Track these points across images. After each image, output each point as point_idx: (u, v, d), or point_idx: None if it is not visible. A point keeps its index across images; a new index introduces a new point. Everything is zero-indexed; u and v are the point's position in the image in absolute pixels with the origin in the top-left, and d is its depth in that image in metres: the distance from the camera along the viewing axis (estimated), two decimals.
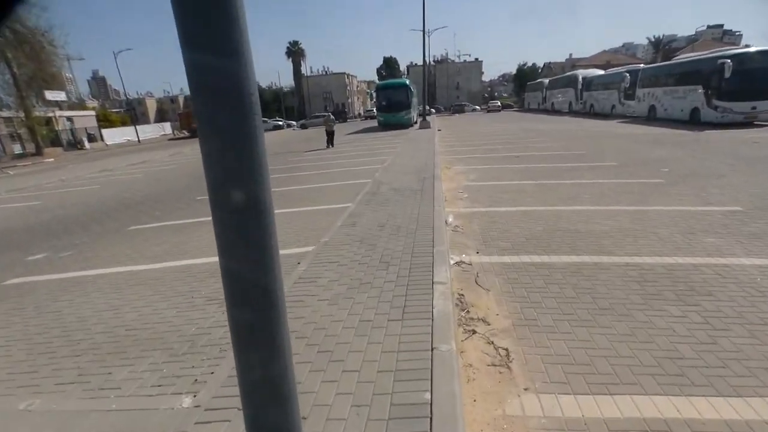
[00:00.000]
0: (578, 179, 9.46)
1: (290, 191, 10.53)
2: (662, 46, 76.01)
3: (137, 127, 53.80)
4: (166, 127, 62.57)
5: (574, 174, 10.07)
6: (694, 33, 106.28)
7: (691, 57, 22.34)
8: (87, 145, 43.74)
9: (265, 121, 55.29)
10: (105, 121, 61.93)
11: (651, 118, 24.54)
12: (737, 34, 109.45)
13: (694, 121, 20.50)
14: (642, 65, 32.23)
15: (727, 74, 18.48)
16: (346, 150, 19.29)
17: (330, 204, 8.55)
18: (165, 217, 8.88)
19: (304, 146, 23.13)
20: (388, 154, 15.51)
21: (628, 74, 28.48)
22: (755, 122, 18.86)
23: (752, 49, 19.20)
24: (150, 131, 57.85)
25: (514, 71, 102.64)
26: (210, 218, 0.94)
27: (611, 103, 30.66)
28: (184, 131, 52.80)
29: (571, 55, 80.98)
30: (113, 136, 49.74)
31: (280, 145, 26.25)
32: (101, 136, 47.93)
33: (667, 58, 39.88)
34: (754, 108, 18.59)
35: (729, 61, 18.48)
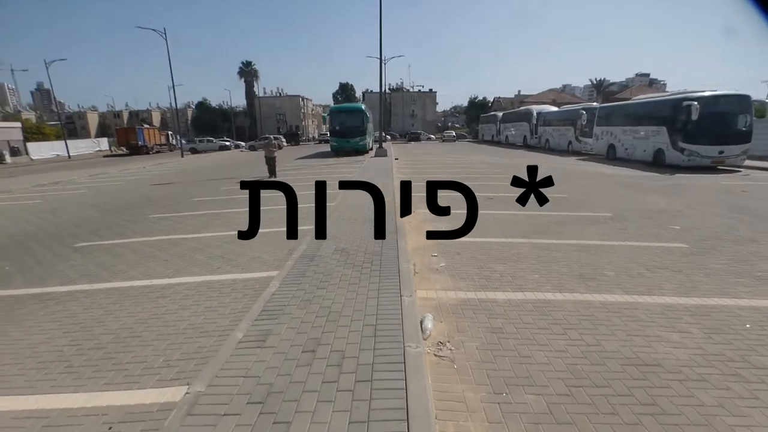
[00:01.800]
0: (581, 238, 7.13)
1: (199, 241, 7.55)
2: (603, 88, 78.99)
3: (69, 142, 48.15)
4: (103, 143, 56.85)
5: (572, 229, 7.77)
6: (624, 80, 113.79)
7: (652, 98, 21.43)
8: (8, 159, 38.40)
9: (210, 141, 51.72)
10: (38, 134, 55.78)
11: (610, 157, 23.44)
12: (662, 82, 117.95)
13: (657, 163, 19.34)
14: (595, 104, 31.89)
15: (695, 116, 17.36)
16: (291, 179, 16.40)
17: (243, 271, 5.74)
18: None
19: (245, 172, 19.96)
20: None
21: (584, 111, 27.63)
22: (720, 167, 17.89)
23: (718, 93, 18.34)
24: (84, 147, 52.18)
25: (464, 103, 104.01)
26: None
27: (567, 140, 29.72)
28: (122, 148, 47.75)
29: (519, 91, 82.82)
30: (40, 150, 44.08)
31: (218, 169, 22.90)
32: (26, 149, 42.25)
33: (607, 99, 40.39)
34: (721, 152, 17.56)
35: (696, 103, 17.43)
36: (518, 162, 22.34)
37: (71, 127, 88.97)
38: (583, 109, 28.23)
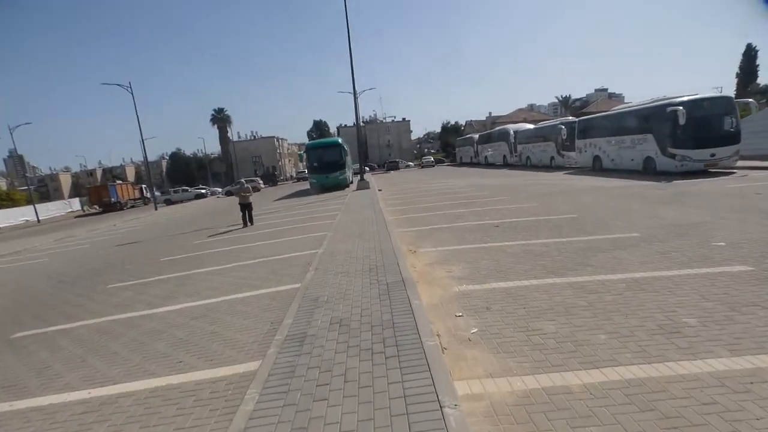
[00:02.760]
0: (624, 270, 5.83)
1: (161, 320, 6.00)
2: (569, 104, 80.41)
3: (39, 205, 45.82)
4: (74, 204, 54.30)
5: (606, 258, 6.48)
6: (585, 95, 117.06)
7: (634, 106, 20.88)
8: None
9: (185, 190, 49.92)
10: (8, 200, 53.28)
11: (597, 168, 22.74)
12: (620, 95, 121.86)
13: (648, 171, 18.59)
14: (571, 118, 31.60)
15: (682, 121, 16.72)
16: (270, 224, 14.92)
17: (213, 365, 4.26)
18: None
19: (219, 221, 18.36)
20: (322, 231, 11.40)
21: (563, 126, 27.12)
22: (712, 170, 17.18)
23: (701, 96, 17.86)
24: (54, 209, 49.62)
25: (437, 129, 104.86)
26: None
27: (549, 155, 29.10)
28: (95, 207, 45.54)
29: (490, 113, 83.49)
30: (8, 217, 41.57)
31: (191, 221, 21.21)
32: None
33: (574, 114, 40.38)
34: (713, 155, 16.86)
35: (681, 107, 16.84)
36: (505, 182, 21.37)
37: (44, 190, 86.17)
38: (562, 124, 27.75)
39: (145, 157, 35.02)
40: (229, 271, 8.41)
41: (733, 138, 17.04)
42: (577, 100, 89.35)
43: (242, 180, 16.61)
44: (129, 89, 30.79)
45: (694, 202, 10.75)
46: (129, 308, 6.83)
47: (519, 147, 34.43)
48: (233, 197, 40.37)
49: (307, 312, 5.01)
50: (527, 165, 32.63)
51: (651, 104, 19.47)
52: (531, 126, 36.15)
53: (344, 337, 4.10)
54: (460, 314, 4.81)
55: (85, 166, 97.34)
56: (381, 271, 6.33)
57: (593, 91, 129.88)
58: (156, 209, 34.17)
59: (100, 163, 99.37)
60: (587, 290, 5.24)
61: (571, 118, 31.60)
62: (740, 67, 58.36)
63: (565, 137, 26.90)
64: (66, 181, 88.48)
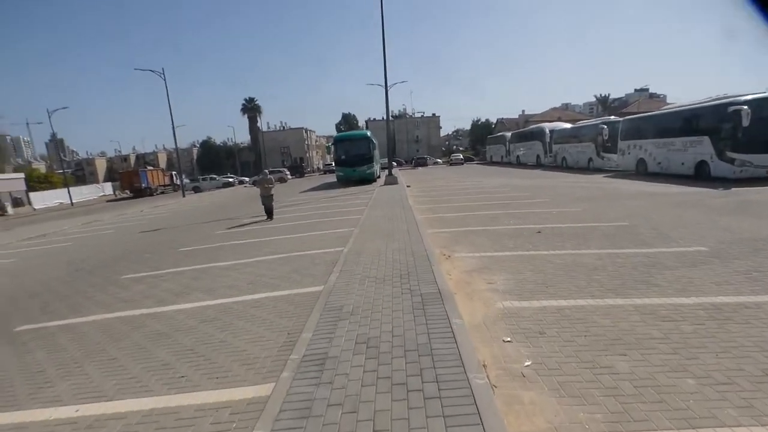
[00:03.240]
0: (700, 293, 4.93)
1: (169, 320, 5.46)
2: (609, 104, 77.51)
3: (73, 188, 47.19)
4: (107, 188, 55.76)
5: (674, 276, 5.57)
6: (623, 95, 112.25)
7: (687, 106, 19.37)
8: (10, 210, 37.18)
9: (213, 178, 50.30)
10: (46, 182, 55.09)
11: (641, 172, 21.34)
12: (661, 96, 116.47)
13: (701, 177, 17.20)
14: (612, 117, 30.03)
15: (745, 122, 15.31)
16: (294, 217, 14.40)
17: (217, 385, 3.67)
18: None
19: (244, 211, 18.00)
20: (348, 226, 10.78)
21: (605, 126, 25.70)
22: None
23: (766, 95, 16.38)
24: (88, 192, 50.99)
25: (466, 126, 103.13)
26: None
27: (587, 157, 27.68)
28: (126, 192, 46.57)
29: (523, 111, 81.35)
30: (43, 199, 42.85)
31: (217, 209, 20.97)
32: (29, 199, 41.03)
33: (614, 115, 38.43)
34: None
35: (746, 107, 15.41)
36: (541, 183, 20.27)
37: (80, 173, 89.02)
38: (603, 123, 26.32)
39: (176, 144, 35.26)
40: (247, 266, 7.87)
41: None
42: (615, 100, 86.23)
43: (266, 170, 15.49)
44: (162, 75, 30.95)
45: (761, 213, 9.60)
46: (139, 304, 6.35)
47: (554, 147, 33.01)
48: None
49: (330, 325, 4.36)
50: (563, 166, 31.22)
51: (708, 103, 18.01)
52: (568, 125, 34.63)
53: (372, 364, 3.42)
54: (509, 339, 4.06)
55: (119, 151, 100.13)
56: (413, 277, 5.63)
57: (632, 91, 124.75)
58: (184, 196, 34.39)
59: (134, 149, 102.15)
60: (659, 316, 4.40)
61: (612, 117, 30.04)
62: None
63: (606, 138, 25.50)
64: (101, 166, 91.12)
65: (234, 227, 13.28)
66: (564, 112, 74.82)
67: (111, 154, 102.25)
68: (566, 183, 19.61)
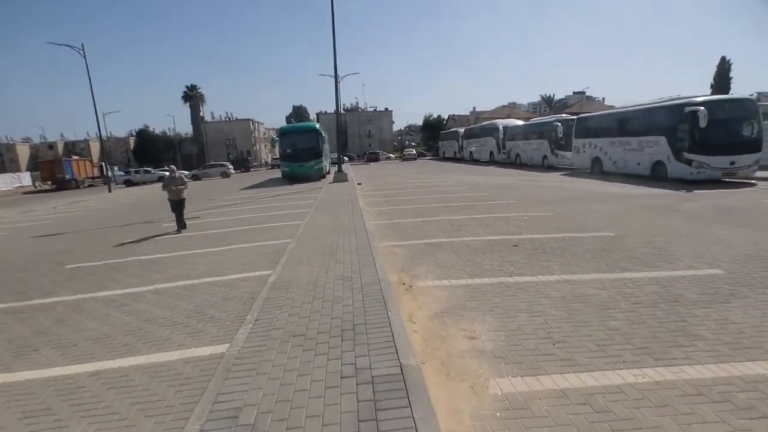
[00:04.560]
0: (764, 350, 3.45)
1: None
2: (553, 104, 79.17)
3: None
4: (25, 178, 49.42)
5: (714, 322, 4.05)
6: (563, 97, 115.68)
7: (644, 105, 18.71)
8: None
9: (147, 171, 45.72)
10: None
11: (596, 171, 20.64)
12: (599, 99, 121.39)
13: (657, 177, 16.58)
14: (564, 115, 29.53)
15: (702, 123, 14.67)
16: (223, 222, 12.10)
17: None
18: None
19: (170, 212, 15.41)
20: (285, 237, 8.75)
21: (559, 124, 24.97)
22: (728, 179, 15.29)
23: (723, 97, 16.00)
24: (0, 183, 44.82)
25: (418, 122, 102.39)
26: None
27: (542, 154, 26.95)
28: (48, 183, 41.28)
29: (474, 108, 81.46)
30: None
31: (142, 209, 17.94)
32: None
33: (557, 114, 38.60)
34: (732, 163, 14.91)
35: (702, 108, 14.78)
36: (500, 181, 19.00)
37: None
38: (558, 121, 25.59)
39: (100, 132, 31.29)
40: (138, 300, 5.68)
41: (755, 145, 15.17)
42: (558, 101, 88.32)
43: (172, 166, 12.33)
44: (81, 52, 26.96)
45: (749, 220, 8.54)
46: None
47: (508, 144, 32.21)
48: (200, 182, 37.04)
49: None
50: (516, 163, 30.45)
51: (664, 103, 17.38)
52: (520, 122, 34.03)
53: None
54: None
55: (44, 137, 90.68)
56: (360, 335, 3.74)
57: (572, 94, 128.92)
58: (110, 191, 30.52)
59: (62, 135, 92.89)
60: (742, 407, 2.80)
61: (564, 115, 29.54)
62: (714, 79, 57.72)
63: (560, 135, 24.77)
64: (24, 153, 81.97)
65: (149, 236, 10.72)
66: (512, 110, 75.53)
67: (37, 140, 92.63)
68: (525, 182, 18.44)
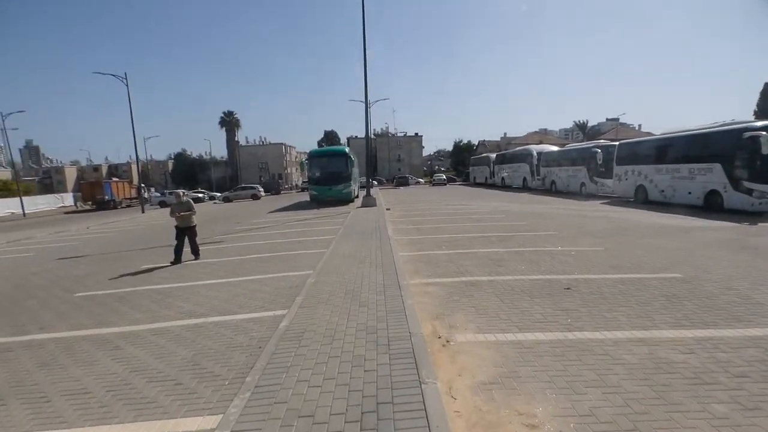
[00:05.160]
0: None
1: None
2: (587, 130, 77.11)
3: (28, 198, 43.17)
4: (67, 199, 51.31)
5: None
6: (596, 124, 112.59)
7: (694, 131, 17.31)
8: None
9: (183, 194, 46.53)
10: (4, 189, 50.69)
11: (640, 200, 19.19)
12: (633, 126, 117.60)
13: (712, 208, 15.10)
14: (603, 141, 28.12)
15: (765, 149, 13.34)
16: (242, 248, 11.49)
17: None
18: None
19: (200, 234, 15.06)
20: (305, 268, 7.98)
21: (599, 150, 23.66)
22: None
23: None
24: (44, 203, 46.51)
25: (448, 147, 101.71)
26: None
27: (579, 181, 25.57)
28: (88, 203, 42.64)
29: (505, 133, 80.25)
30: None
31: (169, 231, 17.78)
32: None
33: (592, 140, 37.12)
34: None
35: (765, 133, 13.43)
36: (537, 209, 17.81)
37: (48, 182, 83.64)
38: (597, 147, 24.28)
39: (137, 156, 31.90)
40: (135, 342, 4.97)
41: None
42: (591, 127, 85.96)
43: (180, 191, 11.49)
44: (124, 81, 27.81)
45: None
46: None
47: (543, 170, 30.92)
48: (229, 204, 37.20)
49: None
50: (552, 190, 29.09)
51: (719, 128, 15.98)
52: (555, 148, 32.75)
53: None
54: None
55: (90, 160, 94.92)
56: (385, 423, 2.82)
57: (605, 120, 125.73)
58: (143, 212, 30.91)
59: (106, 158, 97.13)
60: None
61: (603, 141, 28.16)
62: (758, 105, 54.65)
63: (600, 162, 23.43)
64: (71, 175, 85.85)
65: (168, 262, 10.14)
66: (544, 136, 73.97)
67: (85, 163, 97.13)
68: (564, 210, 17.19)
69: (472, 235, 11.41)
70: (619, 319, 4.90)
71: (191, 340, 4.84)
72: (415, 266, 7.96)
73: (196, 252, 10.23)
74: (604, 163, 23.24)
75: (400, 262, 7.80)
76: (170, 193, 45.21)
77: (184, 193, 10.94)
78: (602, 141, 28.02)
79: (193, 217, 10.24)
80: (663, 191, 17.89)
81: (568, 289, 6.10)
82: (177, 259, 9.85)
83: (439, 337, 4.46)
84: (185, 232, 10.07)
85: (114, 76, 27.85)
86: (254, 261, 9.40)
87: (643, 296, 5.70)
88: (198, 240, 10.45)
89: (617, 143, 22.61)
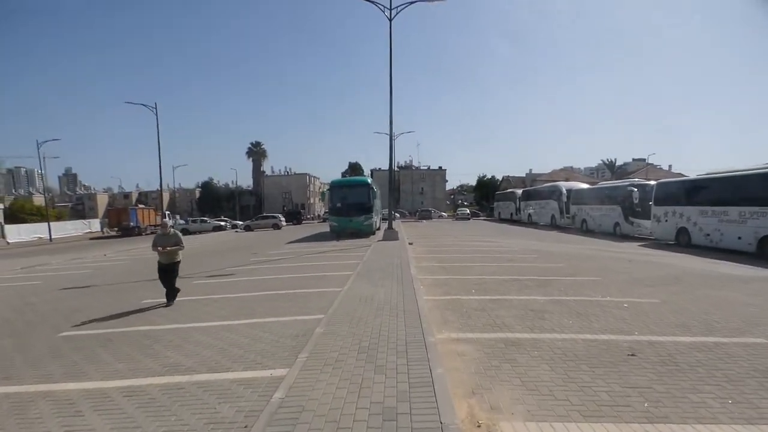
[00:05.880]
0: None
1: None
2: (615, 169, 75.20)
3: (57, 224, 44.03)
4: (94, 224, 52.19)
5: None
6: (623, 164, 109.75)
7: (741, 171, 15.88)
8: None
9: (204, 221, 46.64)
10: (37, 215, 52.04)
11: (682, 244, 17.67)
12: (660, 166, 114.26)
13: (766, 254, 13.56)
14: (637, 180, 26.71)
15: None
16: (251, 284, 10.60)
17: None
18: None
19: (213, 265, 14.40)
20: (314, 312, 7.02)
21: (635, 189, 22.27)
22: None
23: None
24: (71, 228, 47.30)
25: (471, 182, 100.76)
26: None
27: (613, 221, 24.05)
28: (114, 229, 43.18)
29: (531, 170, 79.05)
30: (19, 232, 39.27)
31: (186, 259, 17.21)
32: (2, 232, 37.51)
33: (620, 179, 35.66)
34: None
35: None
36: (571, 250, 16.49)
37: (80, 208, 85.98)
38: (633, 185, 22.90)
39: (161, 184, 32.37)
40: (93, 408, 4.06)
41: None
42: (617, 167, 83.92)
43: (165, 220, 9.69)
44: (153, 110, 28.27)
45: None
46: None
47: (572, 208, 29.47)
48: (250, 233, 36.76)
49: None
50: (582, 229, 27.55)
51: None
52: (586, 185, 31.40)
53: None
54: None
55: (122, 188, 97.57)
56: None
57: (630, 160, 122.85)
58: None
59: (137, 186, 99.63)
60: None
61: (637, 180, 26.76)
62: None
63: (636, 201, 21.98)
64: (102, 201, 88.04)
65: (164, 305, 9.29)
66: (570, 173, 72.34)
67: (117, 190, 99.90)
68: (602, 253, 15.82)
69: (504, 278, 10.27)
70: (710, 405, 3.73)
71: (165, 408, 3.89)
72: (441, 315, 6.89)
73: (173, 292, 8.48)
74: (640, 202, 21.82)
75: (425, 310, 6.74)
76: (201, 221, 45.38)
77: (171, 224, 8.98)
78: (636, 180, 26.63)
79: (179, 253, 8.61)
80: (708, 235, 16.38)
81: (632, 355, 4.93)
82: (169, 299, 8.44)
83: (479, 426, 3.38)
84: (169, 269, 8.41)
85: (144, 105, 28.38)
86: (262, 299, 8.48)
87: (731, 370, 4.49)
88: (212, 270, 9.57)
89: (655, 182, 21.27)
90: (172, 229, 8.72)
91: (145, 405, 3.98)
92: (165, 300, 8.41)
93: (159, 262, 8.47)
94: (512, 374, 4.41)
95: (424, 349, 4.82)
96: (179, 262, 8.66)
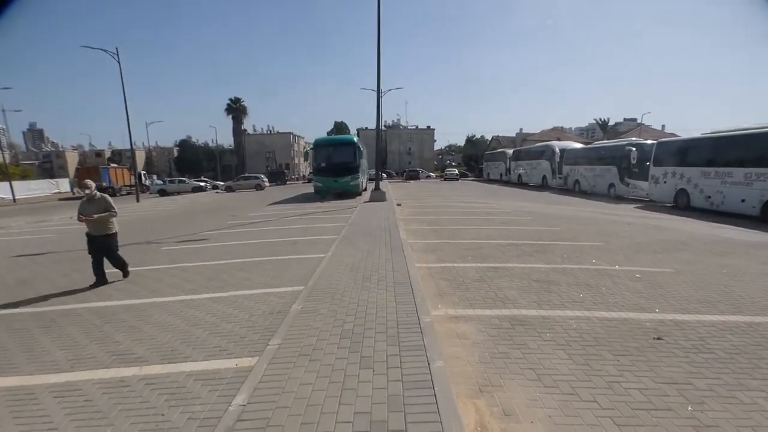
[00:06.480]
0: None
1: None
2: (608, 128, 74.47)
3: (21, 183, 41.94)
4: (63, 184, 49.94)
5: None
6: (614, 124, 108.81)
7: (750, 130, 15.25)
8: None
9: (182, 181, 44.92)
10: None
11: (681, 206, 17.26)
12: (652, 126, 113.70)
13: None
14: (634, 139, 26.07)
15: None
16: (228, 250, 9.81)
17: None
18: None
19: (187, 228, 13.50)
20: (294, 283, 6.30)
21: (633, 148, 21.62)
22: None
23: None
24: (37, 188, 45.18)
25: (459, 142, 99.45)
26: None
27: (608, 182, 23.57)
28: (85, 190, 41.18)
29: (521, 129, 77.85)
30: None
31: (157, 224, 16.20)
32: None
33: (612, 139, 35.01)
34: None
35: None
36: (566, 211, 15.94)
37: (47, 166, 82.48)
38: (631, 145, 22.22)
39: (131, 141, 30.25)
40: (13, 414, 3.32)
41: None
42: (610, 127, 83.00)
43: (88, 181, 7.06)
44: (115, 57, 26.13)
45: None
46: None
47: (565, 168, 28.90)
48: (231, 194, 35.52)
49: None
50: (575, 190, 27.11)
51: None
52: (579, 145, 30.71)
53: None
54: None
55: (93, 145, 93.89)
56: None
57: (622, 120, 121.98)
58: (138, 201, 29.46)
59: (110, 144, 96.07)
60: None
61: (633, 139, 26.12)
62: None
63: (633, 162, 21.40)
64: (72, 160, 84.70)
65: (136, 266, 8.49)
66: (562, 133, 71.24)
67: (88, 148, 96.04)
68: (599, 215, 15.27)
69: (499, 242, 9.63)
70: (764, 407, 3.14)
71: (101, 414, 3.16)
72: (436, 286, 6.22)
73: (121, 267, 7.28)
74: (638, 163, 21.25)
75: (417, 280, 6.06)
76: (179, 181, 43.28)
77: (94, 186, 7.01)
78: (634, 139, 25.95)
79: (114, 221, 7.09)
80: (710, 197, 15.93)
81: (659, 339, 4.33)
82: (99, 281, 6.99)
83: (482, 416, 2.73)
84: (101, 244, 6.93)
85: (105, 51, 26.12)
86: (236, 268, 7.72)
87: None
88: (185, 235, 8.67)
89: (654, 141, 20.62)
90: (97, 194, 6.97)
91: (77, 411, 3.25)
92: (92, 281, 7.01)
93: (87, 235, 6.92)
94: (524, 364, 3.76)
95: (419, 332, 4.14)
96: (115, 233, 7.14)
